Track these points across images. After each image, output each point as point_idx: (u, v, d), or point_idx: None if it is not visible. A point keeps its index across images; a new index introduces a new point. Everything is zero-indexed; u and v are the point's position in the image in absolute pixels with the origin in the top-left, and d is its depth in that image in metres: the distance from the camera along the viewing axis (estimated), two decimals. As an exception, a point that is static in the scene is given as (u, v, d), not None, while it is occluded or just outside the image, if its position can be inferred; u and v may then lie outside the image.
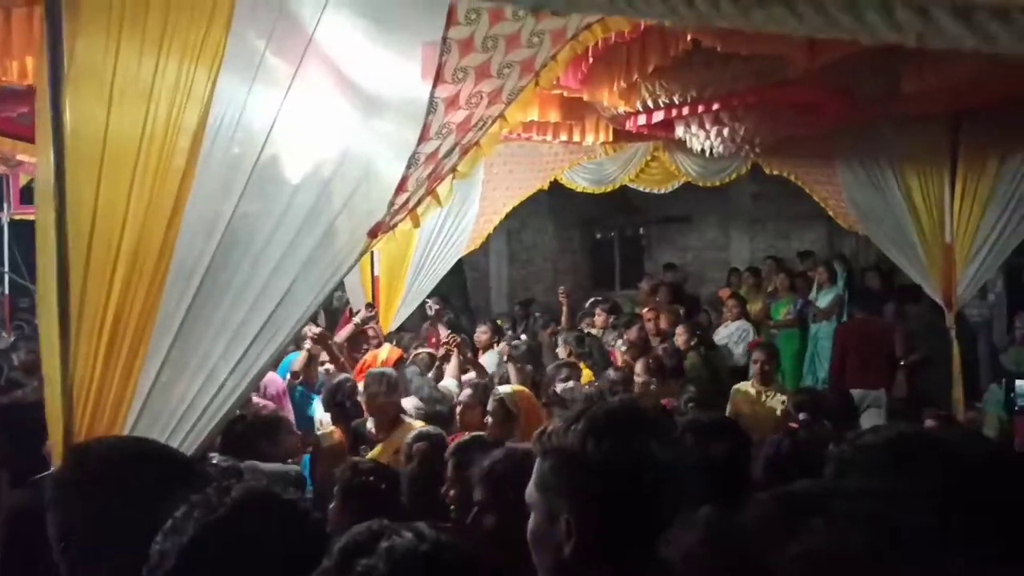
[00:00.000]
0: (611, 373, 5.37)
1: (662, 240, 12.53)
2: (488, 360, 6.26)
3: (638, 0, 0.63)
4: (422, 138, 2.96)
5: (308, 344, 5.36)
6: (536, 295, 11.72)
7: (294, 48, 2.54)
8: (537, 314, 9.58)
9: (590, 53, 4.35)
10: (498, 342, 6.72)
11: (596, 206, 10.65)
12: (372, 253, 6.54)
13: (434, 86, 2.85)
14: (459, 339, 5.80)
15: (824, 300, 8.21)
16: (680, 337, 6.48)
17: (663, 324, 7.26)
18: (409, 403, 4.76)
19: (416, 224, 3.35)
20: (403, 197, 3.07)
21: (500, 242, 12.50)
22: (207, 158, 2.41)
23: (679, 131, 6.00)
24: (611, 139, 6.93)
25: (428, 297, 7.98)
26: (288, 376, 5.35)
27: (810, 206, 8.31)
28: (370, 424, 4.13)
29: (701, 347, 6.39)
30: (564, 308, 8.14)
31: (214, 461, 2.80)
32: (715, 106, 5.47)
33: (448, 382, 5.27)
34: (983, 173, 6.31)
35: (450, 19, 2.69)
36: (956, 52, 0.57)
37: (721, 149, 5.98)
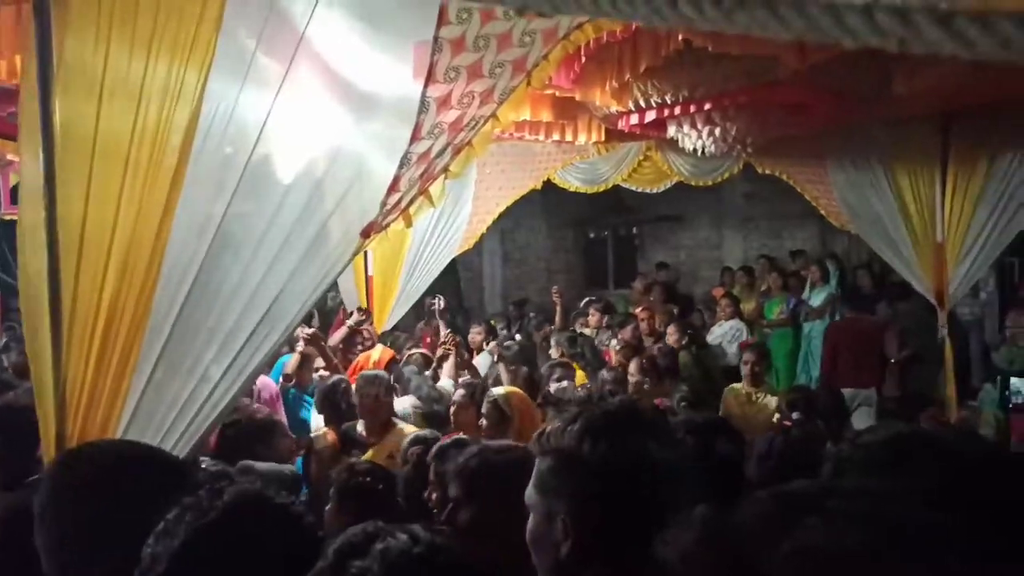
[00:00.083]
0: (605, 374, 5.38)
1: (655, 239, 12.56)
2: (482, 361, 6.26)
3: (622, 3, 0.64)
4: (414, 138, 2.95)
5: (301, 346, 5.35)
6: (530, 295, 11.74)
7: (285, 47, 2.54)
8: (531, 314, 9.59)
9: (582, 53, 4.36)
10: (492, 342, 6.71)
11: (589, 206, 10.67)
12: (366, 253, 6.53)
13: (426, 85, 2.85)
14: (458, 339, 5.80)
15: (817, 299, 8.25)
16: (671, 336, 6.50)
17: (657, 323, 7.27)
18: (407, 402, 4.76)
19: (409, 224, 3.35)
20: (395, 197, 3.06)
21: (494, 242, 12.51)
22: (198, 158, 2.40)
23: (671, 131, 6.01)
24: (603, 139, 6.94)
25: (426, 295, 7.99)
26: (280, 379, 5.34)
27: (802, 205, 8.34)
28: (360, 427, 4.10)
29: (692, 346, 6.41)
30: (557, 308, 8.15)
31: (203, 466, 2.79)
32: (707, 106, 5.48)
33: (445, 382, 5.26)
34: (973, 172, 6.34)
35: (441, 18, 2.69)
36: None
37: (713, 149, 6.00)
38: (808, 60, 4.32)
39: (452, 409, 4.27)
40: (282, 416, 4.62)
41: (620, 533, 1.16)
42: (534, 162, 7.73)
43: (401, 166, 2.97)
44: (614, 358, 6.15)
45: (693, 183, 8.31)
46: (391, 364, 5.84)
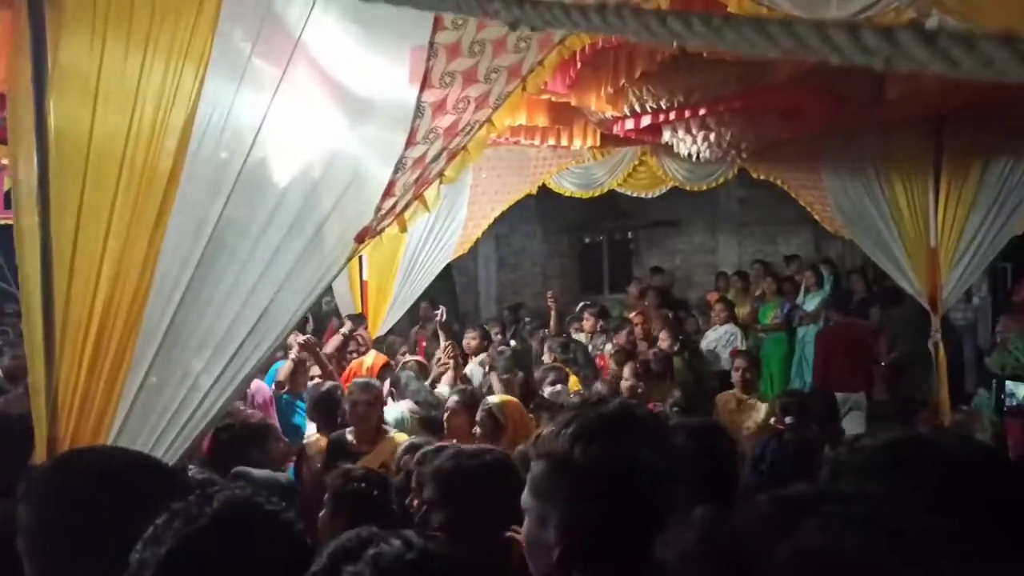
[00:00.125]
0: (599, 386, 5.40)
1: (650, 244, 12.57)
2: (475, 368, 6.26)
3: (612, 18, 0.64)
4: (409, 142, 2.96)
5: (294, 353, 5.34)
6: (525, 300, 11.73)
7: (281, 50, 2.54)
8: (527, 319, 9.59)
9: (577, 58, 4.37)
10: (487, 347, 6.71)
11: (584, 210, 10.67)
12: (360, 258, 6.52)
13: (421, 90, 2.85)
14: (457, 352, 5.79)
15: (811, 304, 8.27)
16: (663, 342, 6.51)
17: (652, 328, 7.28)
18: (404, 406, 4.75)
19: (403, 229, 3.35)
20: (390, 202, 3.07)
21: (489, 247, 12.51)
22: (193, 161, 2.39)
23: (666, 136, 6.03)
24: (599, 144, 6.95)
25: (422, 301, 7.98)
26: (273, 385, 5.33)
27: (796, 210, 8.37)
28: (350, 435, 4.07)
29: (684, 352, 6.42)
30: (552, 313, 8.15)
31: (191, 472, 2.78)
32: (701, 111, 5.50)
33: (443, 389, 5.26)
34: (967, 177, 6.37)
35: (437, 24, 2.70)
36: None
37: (708, 154, 6.02)
38: (802, 65, 4.34)
39: (445, 416, 4.28)
40: (275, 421, 4.59)
41: (613, 537, 1.16)
42: (529, 167, 7.74)
43: (396, 171, 2.97)
44: (608, 363, 6.16)
45: (688, 188, 8.33)
46: (384, 370, 5.84)
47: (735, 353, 6.17)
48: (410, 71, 2.85)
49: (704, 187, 8.32)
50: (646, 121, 5.76)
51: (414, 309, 8.38)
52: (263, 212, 2.67)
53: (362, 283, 7.20)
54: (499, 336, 7.54)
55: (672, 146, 6.20)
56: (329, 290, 6.10)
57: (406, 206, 3.23)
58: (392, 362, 6.34)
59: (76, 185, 2.22)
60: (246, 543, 1.29)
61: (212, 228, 2.49)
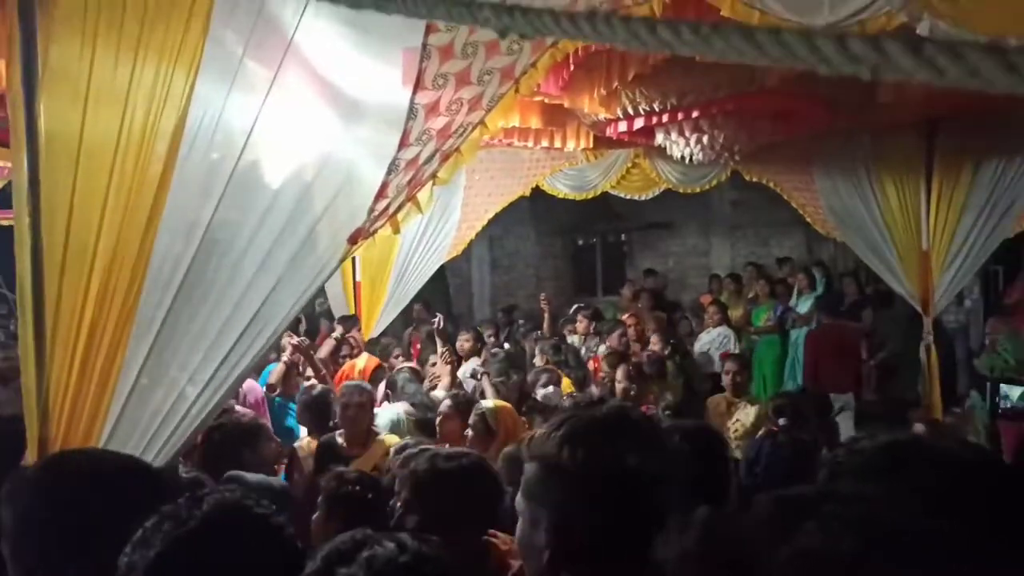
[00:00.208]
0: (594, 390, 5.40)
1: (644, 246, 12.60)
2: (467, 373, 6.25)
3: (602, 26, 0.65)
4: (402, 144, 2.96)
5: (286, 355, 5.33)
6: (519, 301, 11.74)
7: (273, 52, 2.53)
8: (520, 321, 9.59)
9: (570, 60, 4.37)
10: (481, 350, 6.71)
11: (578, 212, 10.69)
12: (353, 259, 6.53)
13: (414, 92, 2.85)
14: (454, 359, 5.78)
15: (804, 306, 8.30)
16: (654, 345, 6.52)
17: (645, 330, 7.29)
18: (400, 408, 4.75)
19: (396, 230, 3.35)
20: (383, 203, 3.06)
21: (482, 248, 12.51)
22: (185, 163, 2.39)
23: (659, 138, 6.05)
24: (592, 146, 6.95)
25: (415, 303, 7.96)
26: (265, 387, 5.32)
27: (789, 213, 8.40)
28: (340, 438, 4.05)
29: (675, 355, 6.43)
30: (546, 315, 8.15)
31: (180, 472, 2.77)
32: (694, 113, 5.51)
33: (439, 393, 5.25)
34: (958, 180, 6.41)
35: (430, 26, 2.70)
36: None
37: (701, 156, 6.03)
38: (794, 69, 4.35)
39: (438, 419, 4.28)
40: (267, 421, 4.57)
41: (603, 540, 1.16)
42: (523, 169, 7.74)
43: (389, 172, 2.97)
44: (601, 364, 6.17)
45: (681, 190, 8.35)
46: (376, 372, 5.83)
47: (725, 356, 6.19)
48: (403, 73, 2.85)
49: (697, 189, 8.35)
50: (639, 123, 5.77)
51: (408, 311, 8.38)
52: (255, 214, 2.67)
53: (355, 284, 7.20)
54: (492, 338, 7.53)
55: (665, 148, 6.22)
56: (322, 291, 6.10)
57: (399, 208, 3.22)
58: (385, 364, 6.34)
59: (67, 187, 2.21)
60: (235, 546, 1.29)
61: (204, 230, 2.48)
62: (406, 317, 8.79)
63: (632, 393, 5.16)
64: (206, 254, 2.50)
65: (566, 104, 5.54)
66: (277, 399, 5.27)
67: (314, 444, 4.19)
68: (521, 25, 0.69)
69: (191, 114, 2.37)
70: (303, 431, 4.75)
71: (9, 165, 4.79)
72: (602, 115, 5.72)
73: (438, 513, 2.01)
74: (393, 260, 7.20)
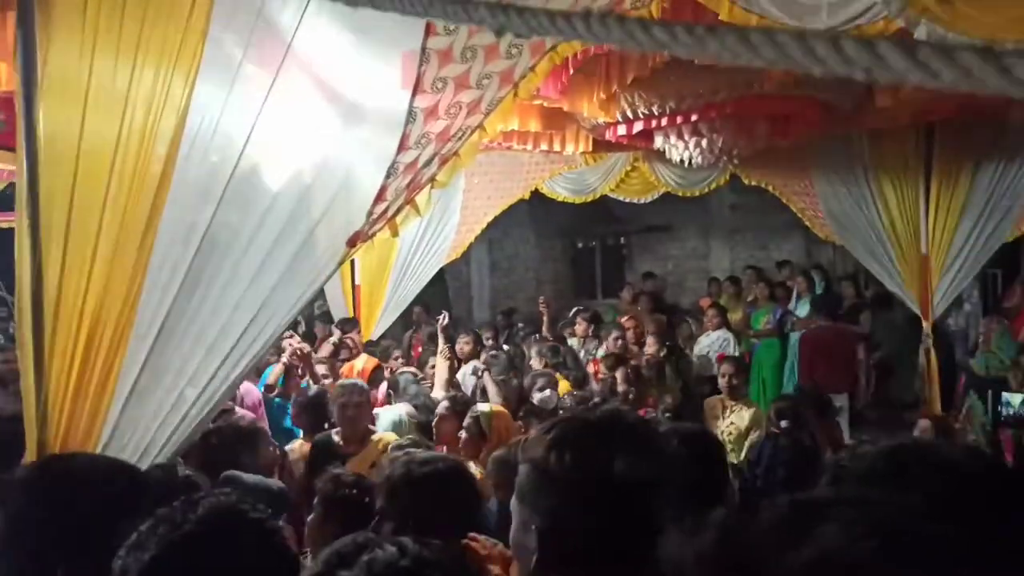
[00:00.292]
0: (594, 386, 5.39)
1: (643, 249, 12.60)
2: (467, 373, 6.24)
3: (597, 26, 0.65)
4: (401, 148, 2.96)
5: (285, 356, 5.32)
6: (518, 304, 11.73)
7: (272, 55, 2.54)
8: (520, 324, 9.58)
9: (569, 64, 4.38)
10: (479, 353, 6.70)
11: (577, 216, 10.69)
12: (352, 262, 6.53)
13: (413, 96, 2.86)
14: (454, 355, 5.76)
15: (803, 309, 8.29)
16: (650, 348, 6.51)
17: (644, 333, 7.28)
18: (402, 409, 4.74)
19: (395, 233, 3.35)
20: (382, 206, 3.07)
21: (482, 251, 12.51)
22: (184, 166, 2.39)
23: (658, 142, 6.06)
24: (591, 149, 6.97)
25: (415, 306, 7.95)
26: (263, 389, 5.30)
27: (788, 216, 8.42)
28: (336, 437, 4.01)
29: (672, 357, 6.42)
30: (545, 318, 8.16)
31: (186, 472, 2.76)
32: (693, 117, 5.53)
33: (438, 393, 5.24)
34: (957, 184, 6.42)
35: (429, 29, 2.71)
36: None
37: (700, 159, 6.04)
38: (792, 72, 4.36)
39: (435, 421, 4.27)
40: (264, 423, 4.56)
41: (592, 545, 1.15)
42: (522, 172, 7.76)
43: (388, 176, 2.98)
44: (600, 367, 6.16)
45: (680, 194, 8.37)
46: (375, 373, 5.83)
47: (721, 359, 6.18)
48: (402, 76, 2.85)
49: (696, 193, 8.36)
50: (638, 127, 5.78)
51: (407, 314, 8.38)
52: (254, 216, 2.67)
53: (354, 287, 7.20)
54: (491, 341, 7.53)
55: (664, 152, 6.23)
56: (321, 294, 6.10)
57: (398, 211, 3.23)
58: (385, 366, 6.33)
59: (66, 189, 2.21)
60: (230, 550, 1.28)
61: (203, 232, 2.49)
62: (406, 320, 8.79)
63: (631, 396, 5.16)
64: (205, 256, 2.50)
65: (565, 108, 5.55)
66: (276, 400, 5.26)
67: (307, 447, 4.16)
68: (517, 24, 0.69)
69: (190, 117, 2.37)
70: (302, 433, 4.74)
71: (10, 168, 4.80)
72: (601, 119, 5.73)
73: (413, 519, 1.99)
74: (392, 263, 7.20)
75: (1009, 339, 6.43)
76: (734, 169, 7.58)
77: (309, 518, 2.72)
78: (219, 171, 2.52)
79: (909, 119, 5.94)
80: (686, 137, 5.77)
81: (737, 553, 0.83)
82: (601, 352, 6.68)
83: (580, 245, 13.28)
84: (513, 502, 1.29)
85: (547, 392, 4.79)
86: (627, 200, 8.87)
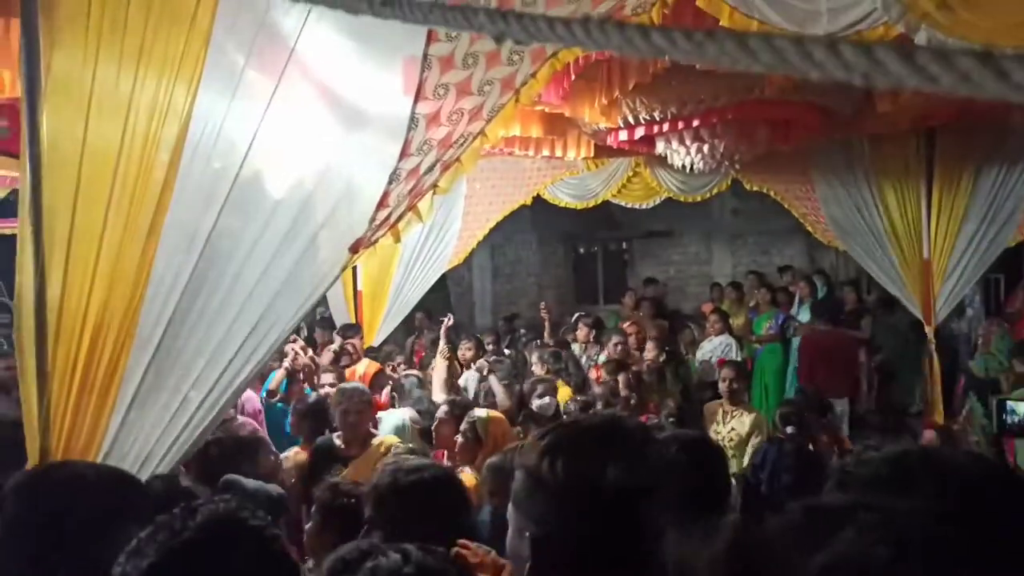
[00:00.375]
0: (597, 389, 5.38)
1: (645, 255, 12.60)
2: (471, 376, 6.25)
3: (596, 33, 0.65)
4: (403, 154, 2.97)
5: (288, 361, 5.32)
6: (520, 310, 11.73)
7: (275, 62, 2.54)
8: (522, 330, 9.58)
9: (571, 70, 4.40)
10: (481, 358, 6.70)
11: (579, 221, 10.70)
12: (354, 268, 6.53)
13: (415, 102, 2.87)
14: (453, 355, 5.76)
15: (805, 315, 8.28)
16: (649, 354, 6.50)
17: (646, 339, 7.27)
18: (406, 414, 4.74)
19: (397, 239, 3.36)
20: (384, 212, 3.07)
21: (484, 257, 12.51)
22: (187, 172, 2.40)
23: (660, 147, 6.07)
24: (593, 155, 6.98)
25: (417, 311, 7.94)
26: (265, 395, 5.30)
27: (790, 221, 8.42)
28: (338, 440, 3.98)
29: (671, 363, 6.40)
30: (546, 324, 8.16)
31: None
32: (695, 122, 5.54)
33: (438, 396, 5.24)
34: (958, 188, 6.42)
35: (430, 36, 2.72)
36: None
37: (701, 165, 6.05)
38: (793, 77, 4.37)
39: (434, 424, 4.27)
40: (264, 431, 4.53)
41: (584, 553, 1.13)
42: (524, 177, 7.77)
43: (390, 182, 2.98)
44: (601, 373, 6.15)
45: (682, 199, 8.38)
46: (376, 377, 5.83)
47: (721, 363, 6.17)
48: (403, 82, 2.86)
49: (698, 198, 8.37)
50: (640, 132, 5.80)
51: (409, 320, 8.38)
52: (257, 223, 2.68)
53: (356, 293, 7.20)
54: (492, 347, 7.52)
55: (666, 157, 6.24)
56: (323, 300, 6.10)
57: (400, 217, 3.24)
58: (385, 369, 6.33)
59: (69, 196, 2.21)
60: (229, 558, 1.28)
61: (205, 239, 2.49)
62: (408, 326, 8.79)
63: (633, 402, 5.15)
64: (208, 263, 2.51)
65: (567, 113, 5.56)
66: (279, 405, 5.26)
67: (302, 455, 4.10)
68: (516, 31, 0.70)
69: (193, 123, 2.38)
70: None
71: (12, 174, 4.82)
72: (603, 124, 5.75)
73: (401, 528, 1.98)
74: (394, 269, 7.21)
75: (1009, 341, 6.43)
76: (735, 174, 7.59)
77: (307, 526, 2.71)
78: (222, 177, 2.52)
79: (910, 124, 5.94)
80: (687, 142, 5.77)
81: (749, 558, 0.83)
82: (603, 358, 6.67)
83: (582, 250, 13.29)
84: (509, 508, 1.29)
85: (546, 399, 4.78)
86: (629, 205, 8.88)
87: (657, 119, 5.53)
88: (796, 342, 8.15)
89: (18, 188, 2.27)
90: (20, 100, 2.21)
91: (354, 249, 2.99)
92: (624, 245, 12.86)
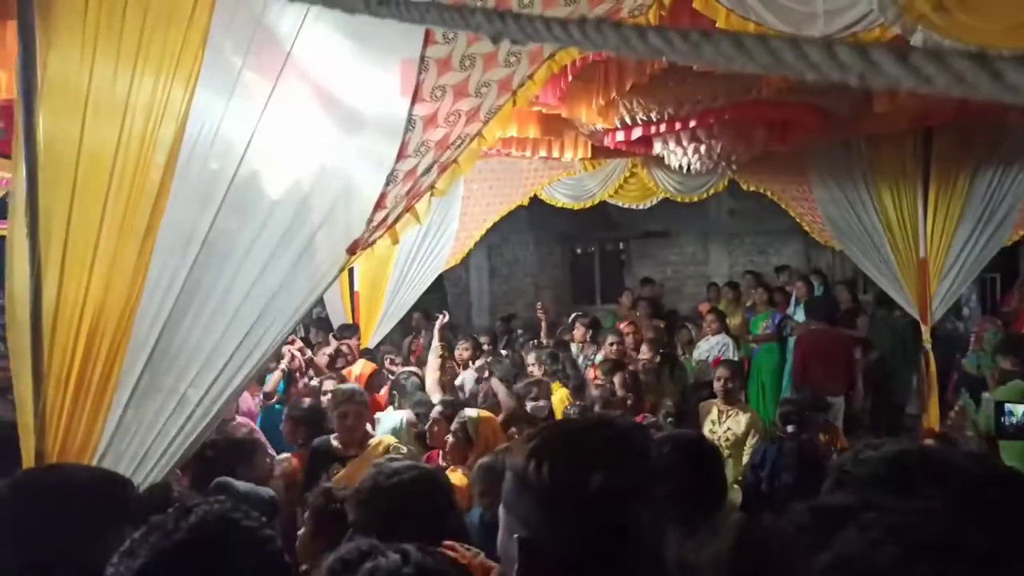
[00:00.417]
0: (594, 392, 5.38)
1: (642, 255, 12.62)
2: (468, 377, 6.25)
3: (593, 33, 0.65)
4: (400, 155, 2.97)
5: (284, 363, 5.31)
6: (517, 310, 11.74)
7: (272, 63, 2.54)
8: (519, 331, 9.58)
9: (568, 71, 4.40)
10: (478, 359, 6.70)
11: (576, 221, 10.72)
12: (351, 268, 6.53)
13: (412, 104, 2.86)
14: (447, 354, 5.75)
15: (802, 314, 8.30)
16: (644, 355, 6.49)
17: (643, 339, 7.28)
18: (403, 415, 4.74)
19: (395, 241, 3.35)
20: (382, 214, 3.07)
21: (481, 257, 12.53)
22: (183, 173, 2.39)
23: (657, 147, 6.07)
24: (590, 155, 6.99)
25: (414, 312, 7.93)
26: (261, 397, 5.29)
27: (787, 221, 8.44)
28: (335, 441, 3.97)
29: (665, 366, 6.40)
30: (543, 324, 8.16)
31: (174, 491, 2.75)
32: (692, 123, 5.54)
33: (432, 397, 5.24)
34: (955, 188, 6.44)
35: (427, 38, 2.71)
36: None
37: (698, 165, 6.06)
38: (789, 78, 4.38)
39: (428, 424, 4.27)
40: (258, 432, 4.51)
41: (570, 555, 1.12)
42: (521, 178, 7.78)
43: (387, 183, 2.98)
44: (597, 373, 6.15)
45: (679, 199, 8.39)
46: (372, 378, 5.83)
47: (716, 363, 6.17)
48: (401, 83, 2.86)
49: (695, 198, 8.39)
50: (637, 133, 5.80)
51: (406, 320, 8.37)
52: (254, 224, 2.67)
53: (353, 294, 7.20)
54: (489, 347, 7.52)
55: (663, 158, 6.24)
56: (320, 300, 6.09)
57: (398, 218, 3.23)
58: (383, 371, 6.33)
59: (65, 197, 2.21)
60: (222, 559, 1.27)
61: (202, 240, 2.48)
62: (405, 326, 8.79)
63: (630, 402, 5.15)
64: (204, 264, 2.50)
65: (564, 114, 5.56)
66: (277, 406, 5.25)
67: (293, 462, 4.07)
68: (513, 31, 0.70)
69: (190, 124, 2.37)
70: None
71: (6, 175, 4.80)
72: (600, 125, 5.75)
73: (384, 530, 1.98)
74: (391, 269, 7.21)
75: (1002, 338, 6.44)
76: (733, 175, 7.61)
77: (300, 532, 2.70)
78: (219, 178, 2.52)
79: (907, 124, 5.96)
80: (685, 143, 5.78)
81: (755, 558, 0.83)
82: (600, 358, 6.68)
83: (579, 251, 13.31)
84: (500, 509, 1.29)
85: (540, 402, 4.79)
86: (626, 206, 8.89)
87: (654, 120, 5.53)
88: (792, 342, 8.17)
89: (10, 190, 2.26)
90: (15, 101, 2.21)
91: (352, 250, 2.98)
92: (621, 245, 12.89)
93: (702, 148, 5.81)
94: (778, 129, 6.04)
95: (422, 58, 2.76)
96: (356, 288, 7.19)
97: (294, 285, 2.82)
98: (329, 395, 4.90)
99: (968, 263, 6.54)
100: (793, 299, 8.74)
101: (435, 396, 5.07)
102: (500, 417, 4.64)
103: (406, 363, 7.39)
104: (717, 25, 3.02)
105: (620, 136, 5.91)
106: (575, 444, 1.18)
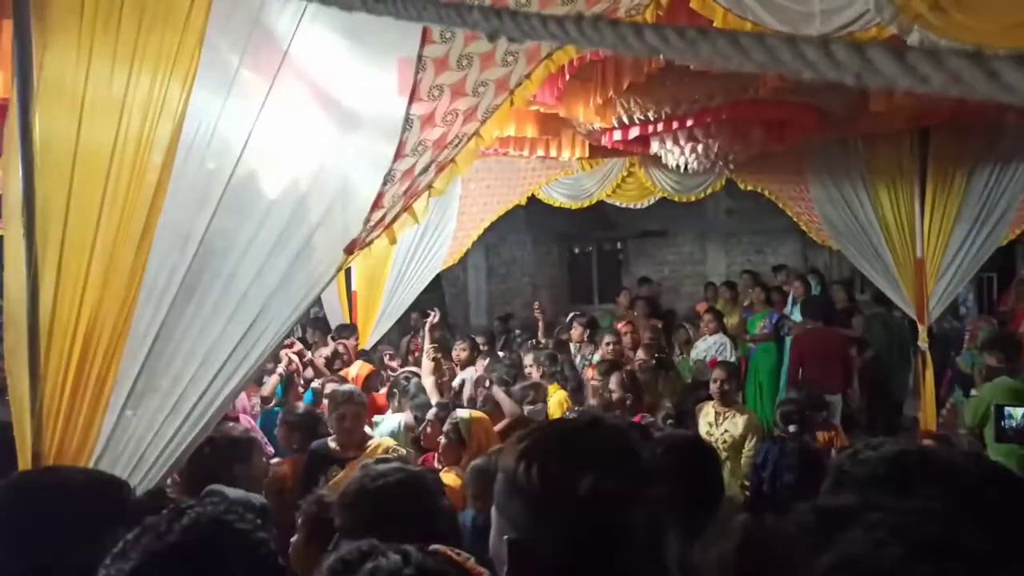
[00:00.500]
0: (592, 400, 5.38)
1: (640, 254, 12.63)
2: (466, 376, 6.24)
3: (590, 31, 0.65)
4: (398, 155, 2.96)
5: (281, 367, 5.30)
6: (515, 310, 11.75)
7: (269, 62, 2.53)
8: (517, 331, 9.59)
9: (565, 70, 4.40)
10: (476, 359, 6.70)
11: (574, 221, 10.72)
12: (349, 268, 6.52)
13: (409, 103, 2.86)
14: (439, 356, 5.74)
15: (799, 314, 8.31)
16: (640, 358, 6.48)
17: (641, 338, 7.28)
18: (402, 418, 4.74)
19: (392, 241, 3.35)
20: (379, 213, 3.07)
21: (478, 257, 12.53)
22: (180, 173, 2.38)
23: (654, 147, 6.08)
24: (587, 155, 6.99)
25: (412, 312, 7.92)
26: (258, 400, 5.28)
27: (784, 221, 8.45)
28: (332, 443, 3.95)
29: (660, 371, 6.39)
30: (540, 324, 8.16)
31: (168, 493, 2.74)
32: (689, 122, 5.55)
33: (433, 400, 5.23)
34: (952, 188, 6.46)
35: (425, 37, 2.71)
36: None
37: (696, 165, 6.06)
38: (787, 77, 4.38)
39: (422, 427, 4.26)
40: (254, 429, 4.49)
41: (560, 557, 1.12)
42: (518, 178, 7.78)
43: (385, 183, 2.98)
44: (594, 373, 6.15)
45: (676, 199, 8.39)
46: (370, 378, 5.82)
47: (713, 364, 6.16)
48: (398, 82, 2.85)
49: (692, 198, 8.39)
50: (634, 132, 5.80)
51: (404, 320, 8.37)
52: (251, 224, 2.66)
53: (351, 293, 7.20)
54: (486, 348, 7.52)
55: (660, 157, 6.25)
56: (317, 300, 6.09)
57: (395, 218, 3.23)
58: (382, 372, 6.33)
59: (62, 197, 2.20)
60: (214, 561, 1.27)
61: (199, 240, 2.47)
62: (402, 326, 8.79)
63: (629, 402, 5.15)
64: (202, 264, 2.49)
65: (561, 113, 5.56)
66: (276, 409, 5.23)
67: (287, 464, 4.04)
68: (510, 28, 0.70)
69: (187, 123, 2.36)
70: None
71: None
72: (597, 124, 5.75)
73: (370, 534, 1.97)
74: (388, 270, 7.21)
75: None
76: (730, 174, 7.62)
77: (293, 539, 2.69)
78: (215, 178, 2.51)
79: (904, 124, 5.97)
80: (682, 142, 5.78)
81: (760, 558, 0.83)
82: (597, 357, 6.68)
83: (577, 250, 13.32)
84: (492, 511, 1.28)
85: (538, 405, 4.79)
86: (623, 205, 8.90)
87: (651, 119, 5.53)
88: (789, 342, 8.18)
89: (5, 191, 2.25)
90: (10, 101, 2.20)
91: (349, 250, 2.98)
92: (619, 245, 12.90)
93: (699, 147, 5.82)
94: (775, 129, 6.05)
95: (419, 57, 2.76)
96: (354, 288, 7.18)
97: (291, 285, 2.82)
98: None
99: (965, 262, 6.55)
100: (790, 299, 8.75)
101: (434, 398, 5.07)
102: (503, 423, 4.64)
103: (405, 363, 7.38)
104: (714, 24, 3.03)
105: (617, 135, 5.92)
106: (566, 445, 1.18)
